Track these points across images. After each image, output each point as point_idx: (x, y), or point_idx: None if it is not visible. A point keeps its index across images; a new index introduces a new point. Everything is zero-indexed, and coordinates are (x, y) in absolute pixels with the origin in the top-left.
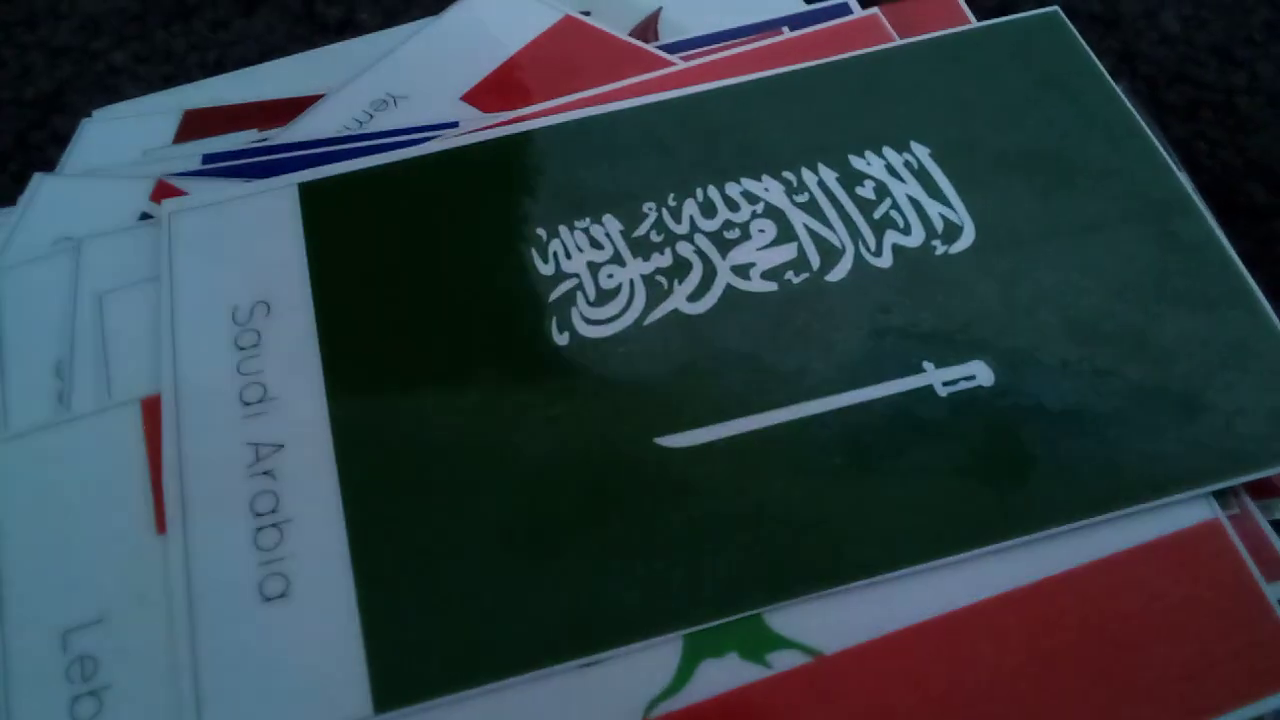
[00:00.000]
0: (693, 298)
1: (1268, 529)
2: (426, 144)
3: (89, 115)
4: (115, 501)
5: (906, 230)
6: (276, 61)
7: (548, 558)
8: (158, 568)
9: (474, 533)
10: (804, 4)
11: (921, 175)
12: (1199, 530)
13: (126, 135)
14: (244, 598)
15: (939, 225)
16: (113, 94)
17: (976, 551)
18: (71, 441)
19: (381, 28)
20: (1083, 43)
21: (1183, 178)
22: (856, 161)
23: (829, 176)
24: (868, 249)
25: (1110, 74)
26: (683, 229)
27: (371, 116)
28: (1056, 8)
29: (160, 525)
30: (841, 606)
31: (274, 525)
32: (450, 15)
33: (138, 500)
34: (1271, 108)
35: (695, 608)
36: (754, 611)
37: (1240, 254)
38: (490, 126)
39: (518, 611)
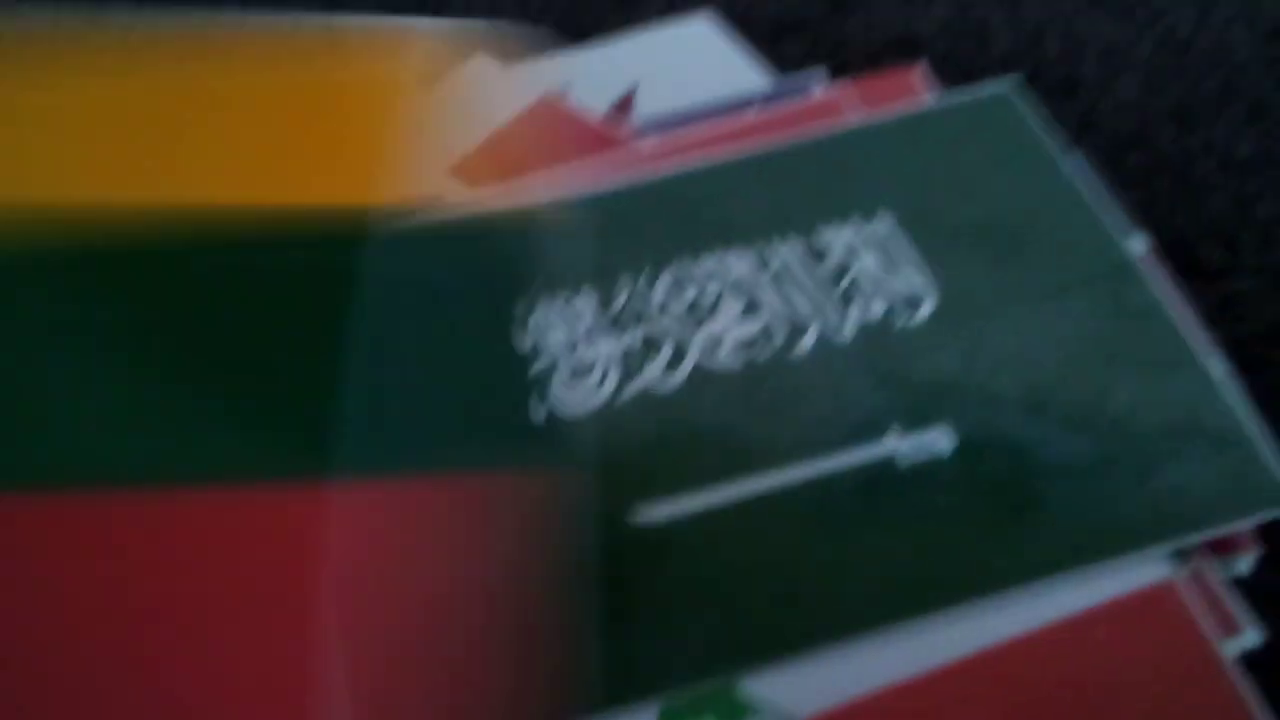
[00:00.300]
0: (664, 374)
1: (1223, 586)
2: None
3: None
4: None
5: (869, 302)
6: None
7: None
8: None
9: None
10: (773, 81)
11: (884, 247)
12: (1154, 591)
13: None
14: None
15: (900, 295)
16: None
17: (942, 615)
18: None
19: None
20: (1032, 119)
21: (1140, 240)
22: (822, 234)
23: (795, 250)
24: (832, 322)
25: (1070, 140)
26: (655, 306)
27: None
28: (1007, 89)
29: None
30: (813, 671)
31: None
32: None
33: None
34: (1225, 171)
35: (670, 676)
36: (729, 679)
37: (1198, 314)
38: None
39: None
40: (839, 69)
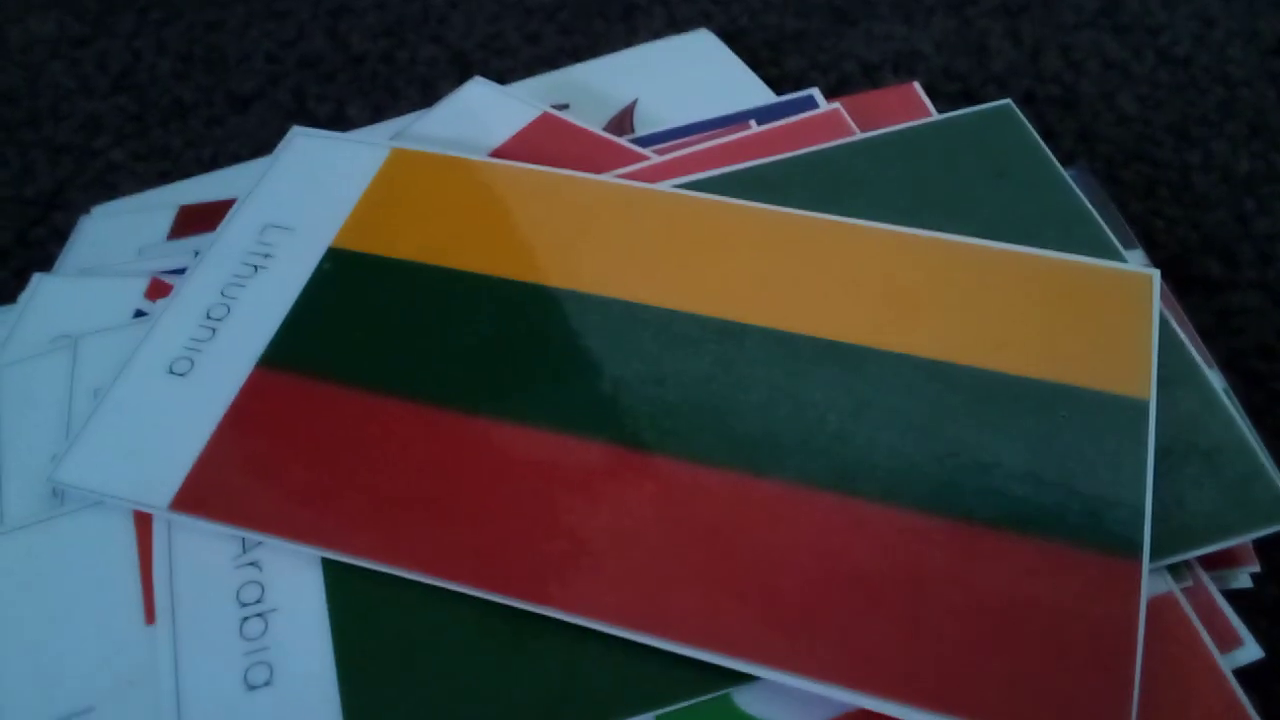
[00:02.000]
0: None
1: (1220, 600)
2: None
3: (88, 212)
4: (106, 593)
5: None
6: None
7: (524, 644)
8: (147, 658)
9: (453, 620)
10: (772, 95)
11: None
12: (1154, 604)
13: (123, 231)
14: (229, 686)
15: None
16: (111, 190)
17: None
18: (65, 535)
19: (370, 122)
20: (1034, 133)
21: (1138, 255)
22: None
23: None
24: None
25: (1069, 154)
26: None
27: None
28: (1009, 101)
29: (149, 616)
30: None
31: (259, 615)
32: (438, 111)
33: (128, 592)
34: (1225, 184)
35: (666, 689)
36: (722, 692)
37: (1197, 327)
38: None
39: (495, 696)
40: (839, 84)
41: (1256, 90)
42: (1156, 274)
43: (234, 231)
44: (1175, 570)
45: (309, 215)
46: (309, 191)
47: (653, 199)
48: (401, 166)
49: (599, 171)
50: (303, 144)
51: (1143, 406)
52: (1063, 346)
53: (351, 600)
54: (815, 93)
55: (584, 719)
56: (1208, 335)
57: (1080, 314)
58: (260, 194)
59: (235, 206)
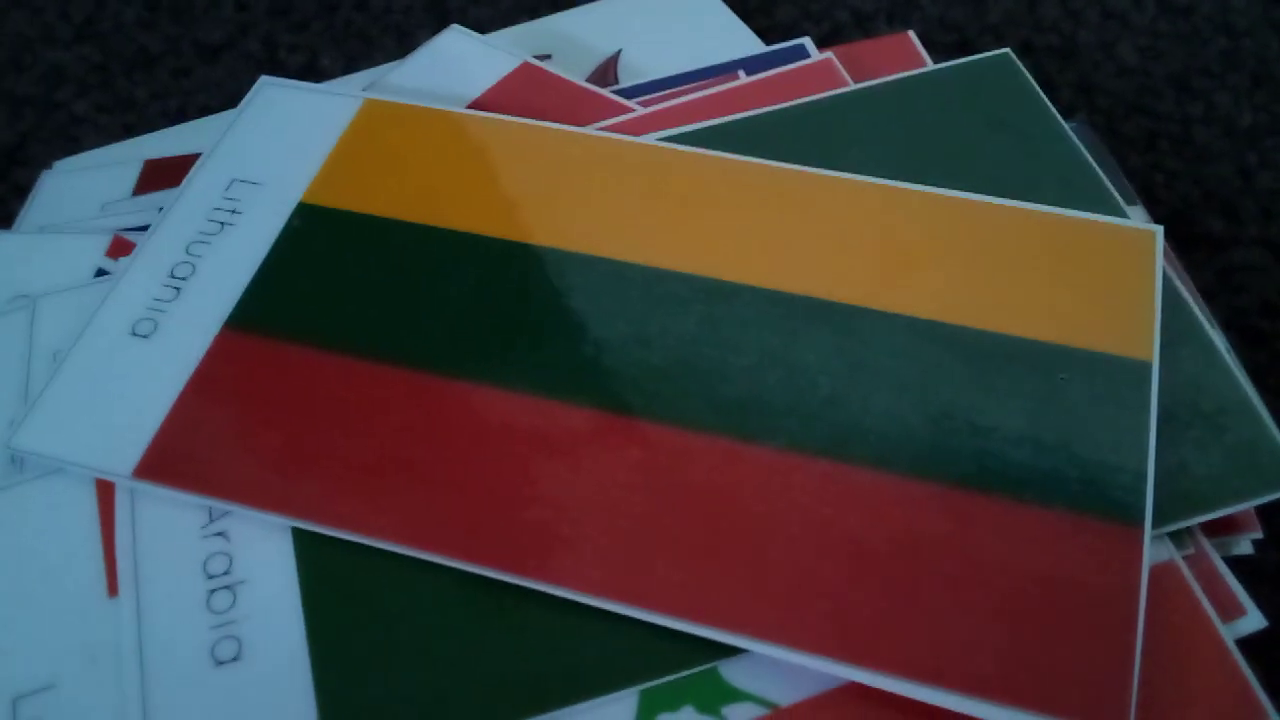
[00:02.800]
0: None
1: (1222, 567)
2: None
3: (49, 167)
4: (67, 564)
5: None
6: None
7: (504, 616)
8: (109, 631)
9: (430, 591)
10: (761, 45)
11: None
12: (1156, 571)
13: (87, 186)
14: (196, 661)
15: None
16: (74, 144)
17: None
18: (24, 504)
19: (344, 73)
20: (1034, 84)
21: (1139, 210)
22: None
23: None
24: None
25: (1068, 105)
26: None
27: None
28: (1008, 50)
29: (112, 588)
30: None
31: (227, 588)
32: (414, 61)
33: (90, 563)
34: (1228, 138)
35: (651, 663)
36: (709, 665)
37: (1199, 286)
38: None
39: (474, 671)
40: (831, 34)
41: (1259, 40)
42: (1159, 231)
43: (200, 186)
44: (1177, 537)
45: (278, 169)
46: (278, 144)
47: (637, 152)
48: (375, 118)
49: (582, 124)
50: (272, 95)
51: (1145, 368)
52: (1062, 306)
53: (324, 572)
54: (807, 42)
55: (566, 694)
56: (1209, 294)
57: (1080, 273)
58: (227, 147)
59: (201, 160)
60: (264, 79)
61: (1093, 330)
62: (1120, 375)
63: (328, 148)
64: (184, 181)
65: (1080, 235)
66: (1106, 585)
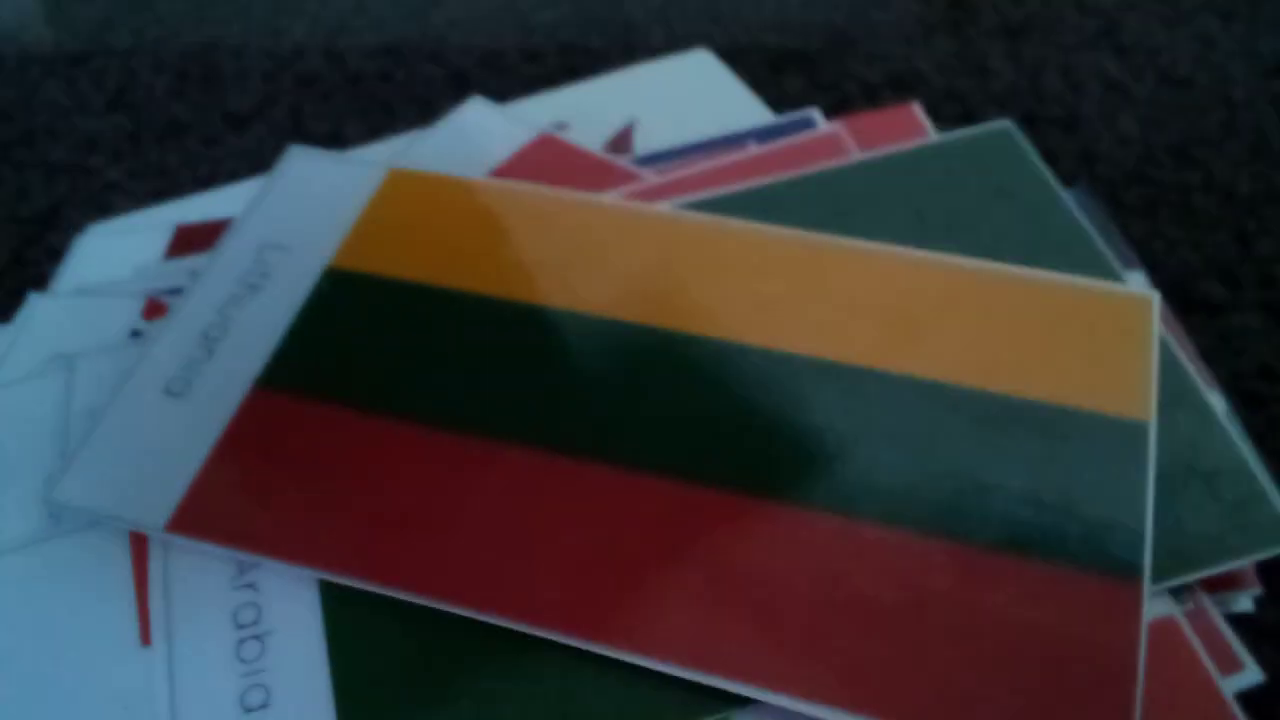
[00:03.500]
0: None
1: (1222, 623)
2: None
3: (83, 231)
4: (102, 615)
5: None
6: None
7: (524, 669)
8: (143, 679)
9: (452, 642)
10: (771, 115)
11: None
12: (1155, 626)
13: (120, 250)
14: (226, 708)
15: None
16: (107, 209)
17: None
18: (61, 556)
19: (367, 141)
20: (1035, 154)
21: (1139, 276)
22: None
23: None
24: None
25: (1070, 174)
26: None
27: None
28: (1009, 122)
29: (145, 637)
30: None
31: (256, 637)
32: (436, 131)
33: (124, 613)
34: (1226, 205)
35: (666, 712)
36: (722, 716)
37: (1199, 349)
38: None
39: None
40: (838, 104)
41: (1257, 111)
42: (1156, 296)
43: (231, 251)
44: (1176, 593)
45: (306, 235)
46: (306, 211)
47: (652, 220)
48: (399, 186)
49: (598, 192)
50: (300, 163)
51: (1143, 429)
52: (1062, 368)
53: (348, 622)
54: (814, 113)
55: None
56: (1209, 357)
57: (1080, 336)
58: (257, 213)
59: (232, 226)
60: (292, 148)
61: (1092, 392)
62: (1119, 435)
63: (354, 214)
64: (216, 246)
65: (1080, 300)
66: (1106, 640)
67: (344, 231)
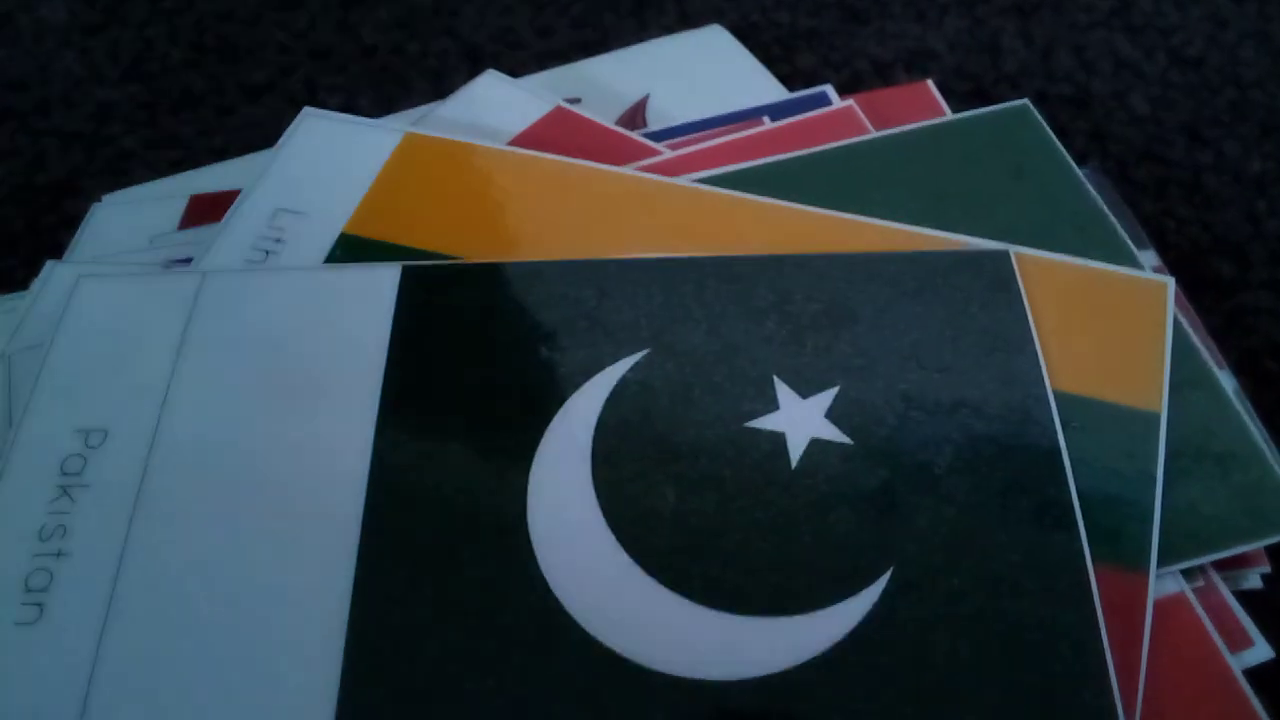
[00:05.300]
0: None
1: (1231, 600)
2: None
3: (99, 200)
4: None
5: None
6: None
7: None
8: None
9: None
10: (785, 91)
11: None
12: (1165, 604)
13: (134, 220)
14: None
15: None
16: (123, 178)
17: None
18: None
19: (380, 114)
20: (1051, 133)
21: (1150, 255)
22: None
23: None
24: None
25: (1081, 153)
26: None
27: None
28: (1026, 101)
29: None
30: None
31: None
32: (451, 102)
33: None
34: (1237, 185)
35: None
36: None
37: (1209, 328)
38: None
39: None
40: (851, 82)
41: (1268, 91)
42: (1171, 282)
43: (245, 215)
44: (1187, 571)
45: (321, 200)
46: (321, 175)
47: (669, 193)
48: (415, 152)
49: (613, 165)
50: (315, 126)
51: (1154, 419)
52: (1075, 356)
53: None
54: (829, 89)
55: None
56: (1219, 336)
57: (1094, 323)
58: (272, 177)
59: (247, 189)
60: (307, 110)
61: (1104, 381)
62: (1129, 426)
63: (369, 180)
64: (231, 209)
65: (1095, 285)
66: (1111, 627)
67: (358, 197)
